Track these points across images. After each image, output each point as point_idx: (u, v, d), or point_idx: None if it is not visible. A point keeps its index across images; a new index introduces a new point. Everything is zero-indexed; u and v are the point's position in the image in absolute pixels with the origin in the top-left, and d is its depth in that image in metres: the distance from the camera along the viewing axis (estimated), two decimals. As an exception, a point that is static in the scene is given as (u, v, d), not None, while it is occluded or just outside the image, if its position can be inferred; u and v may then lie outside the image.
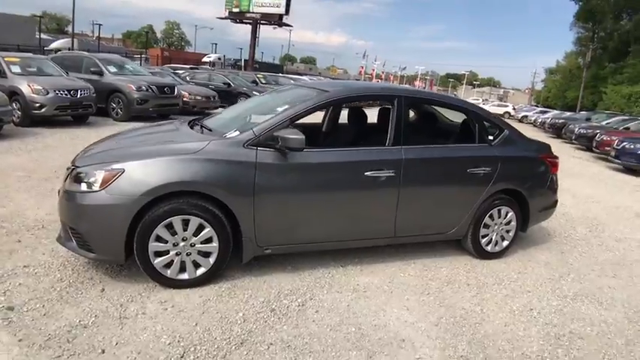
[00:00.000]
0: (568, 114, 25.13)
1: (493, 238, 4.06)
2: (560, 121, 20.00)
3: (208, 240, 2.96)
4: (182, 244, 2.91)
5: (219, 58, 48.14)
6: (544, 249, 4.59)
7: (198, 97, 13.12)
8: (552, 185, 4.34)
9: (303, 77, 27.61)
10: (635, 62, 28.89)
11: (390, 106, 3.61)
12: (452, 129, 4.44)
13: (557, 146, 11.42)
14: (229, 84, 16.40)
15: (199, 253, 2.98)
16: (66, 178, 3.04)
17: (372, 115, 4.55)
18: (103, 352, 2.31)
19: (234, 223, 3.01)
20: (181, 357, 2.32)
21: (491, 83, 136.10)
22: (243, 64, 47.50)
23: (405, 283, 3.43)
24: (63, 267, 3.15)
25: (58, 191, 3.31)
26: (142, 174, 2.80)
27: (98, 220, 2.79)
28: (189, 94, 12.72)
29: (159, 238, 2.85)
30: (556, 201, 4.50)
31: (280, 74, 29.12)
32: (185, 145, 3.02)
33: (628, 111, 23.91)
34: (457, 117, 5.14)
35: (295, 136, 2.95)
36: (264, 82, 20.14)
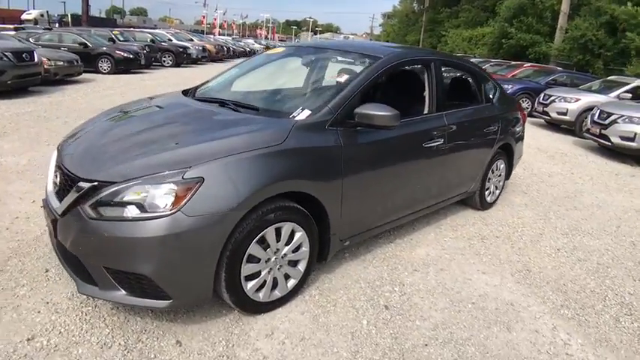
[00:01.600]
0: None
1: (492, 189, 4.44)
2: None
3: (299, 246, 2.61)
4: (274, 258, 2.49)
5: (42, 15, 39.71)
6: (510, 192, 5.19)
7: (60, 63, 10.85)
8: (523, 135, 4.87)
9: (159, 30, 24.86)
10: (468, 8, 32.77)
11: (425, 71, 3.46)
12: (460, 91, 4.41)
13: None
14: (85, 44, 13.89)
15: (289, 263, 2.61)
16: (77, 201, 2.15)
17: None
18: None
19: (319, 220, 2.68)
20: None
21: (332, 29, 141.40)
22: (70, 20, 40.15)
23: (457, 248, 3.57)
24: (88, 325, 2.27)
25: (54, 221, 2.30)
26: (228, 179, 2.18)
27: (177, 254, 2.09)
28: (49, 60, 10.41)
29: (250, 258, 2.36)
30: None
31: (134, 29, 25.52)
32: (261, 134, 2.42)
33: (471, 53, 27.40)
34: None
35: (387, 112, 2.60)
36: (121, 39, 17.55)
